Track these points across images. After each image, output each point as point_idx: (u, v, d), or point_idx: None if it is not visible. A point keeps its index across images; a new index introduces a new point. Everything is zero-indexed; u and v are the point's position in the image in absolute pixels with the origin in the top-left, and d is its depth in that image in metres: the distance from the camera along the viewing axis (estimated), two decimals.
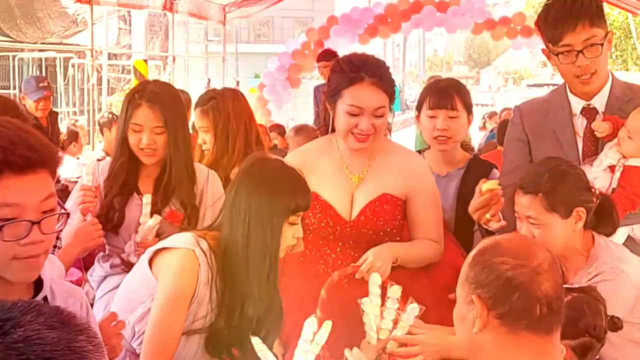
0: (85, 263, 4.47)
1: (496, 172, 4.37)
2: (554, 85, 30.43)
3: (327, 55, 10.56)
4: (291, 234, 3.25)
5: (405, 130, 28.74)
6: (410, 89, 48.38)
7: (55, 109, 10.36)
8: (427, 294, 3.69)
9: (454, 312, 2.53)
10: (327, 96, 3.85)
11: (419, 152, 4.58)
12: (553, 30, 3.78)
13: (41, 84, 8.99)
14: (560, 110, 3.99)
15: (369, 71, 3.69)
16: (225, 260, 3.20)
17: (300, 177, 3.31)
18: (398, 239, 3.90)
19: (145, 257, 3.32)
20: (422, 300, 3.41)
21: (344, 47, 16.46)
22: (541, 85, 32.62)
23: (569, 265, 3.47)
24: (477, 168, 4.42)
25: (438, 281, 3.85)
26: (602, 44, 3.74)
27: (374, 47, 44.85)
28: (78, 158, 9.62)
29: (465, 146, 4.68)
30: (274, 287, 3.25)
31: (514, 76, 50.63)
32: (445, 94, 4.33)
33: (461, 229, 4.28)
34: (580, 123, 3.96)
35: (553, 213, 3.36)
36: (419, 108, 4.45)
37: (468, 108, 4.40)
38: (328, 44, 15.35)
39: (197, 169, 4.05)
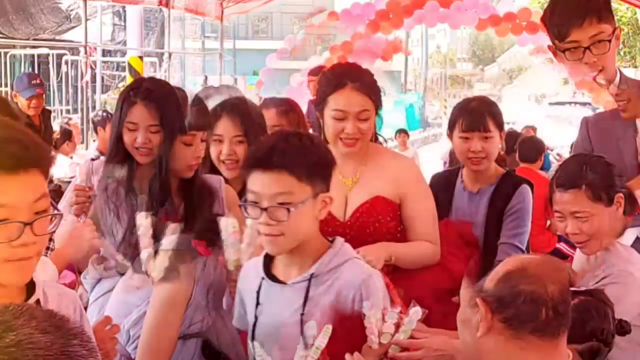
0: (78, 265, 4.48)
1: (525, 188, 4.40)
2: (575, 103, 30.30)
3: (316, 71, 10.61)
4: (190, 154, 3.48)
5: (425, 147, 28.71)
6: (431, 106, 48.26)
7: (47, 107, 10.34)
8: (427, 297, 3.74)
9: (457, 315, 2.55)
10: (315, 105, 4.03)
11: (457, 169, 4.65)
12: (559, 26, 3.83)
13: (33, 82, 9.01)
14: (626, 124, 4.07)
15: (352, 77, 3.85)
16: None
17: (195, 99, 3.58)
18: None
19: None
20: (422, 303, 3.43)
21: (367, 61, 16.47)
22: (563, 104, 32.55)
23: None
24: (506, 184, 4.46)
25: (439, 285, 3.94)
26: (609, 40, 3.77)
27: (397, 64, 44.83)
28: (71, 157, 9.64)
29: (499, 159, 4.72)
30: None
31: (535, 94, 50.65)
32: (478, 116, 4.38)
33: (490, 245, 4.34)
34: None
35: (598, 203, 3.44)
36: (451, 128, 4.50)
37: (500, 126, 4.44)
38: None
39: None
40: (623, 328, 2.95)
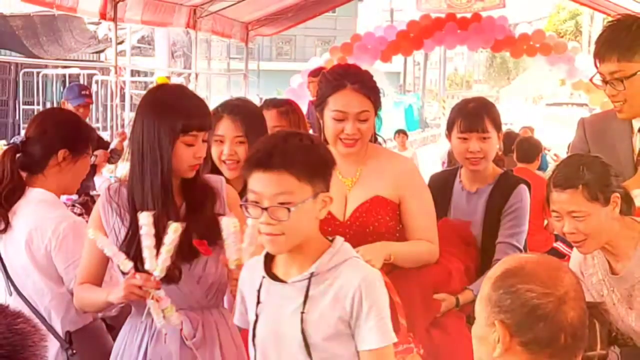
0: None
1: (522, 188, 4.38)
2: (572, 104, 30.29)
3: (316, 72, 10.60)
4: (191, 154, 3.41)
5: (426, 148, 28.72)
6: (430, 106, 48.50)
7: None
8: (425, 295, 3.82)
9: (472, 330, 2.48)
10: (315, 107, 4.01)
11: (456, 169, 4.62)
12: (594, 56, 3.90)
13: (83, 92, 9.15)
14: (622, 125, 4.06)
15: (351, 78, 3.84)
16: None
17: (196, 99, 3.51)
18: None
19: None
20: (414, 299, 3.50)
21: (368, 62, 16.58)
22: (560, 105, 32.49)
23: (619, 251, 3.51)
24: (504, 184, 4.43)
25: (437, 284, 3.94)
26: (629, 77, 3.77)
27: (396, 65, 45.08)
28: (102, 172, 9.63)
29: (497, 159, 4.70)
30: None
31: (533, 95, 50.71)
32: (476, 117, 4.36)
33: (488, 244, 4.32)
34: (638, 140, 4.05)
35: (594, 202, 3.38)
36: (449, 129, 4.48)
37: (498, 127, 4.42)
38: (351, 61, 15.35)
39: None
40: (625, 342, 2.92)
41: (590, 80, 4.00)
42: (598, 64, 3.86)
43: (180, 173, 3.44)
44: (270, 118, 4.77)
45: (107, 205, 3.52)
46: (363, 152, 3.91)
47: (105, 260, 3.48)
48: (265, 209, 2.79)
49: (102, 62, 20.67)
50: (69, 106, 8.79)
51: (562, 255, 7.36)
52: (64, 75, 19.49)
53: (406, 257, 3.81)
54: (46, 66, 19.52)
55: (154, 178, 3.38)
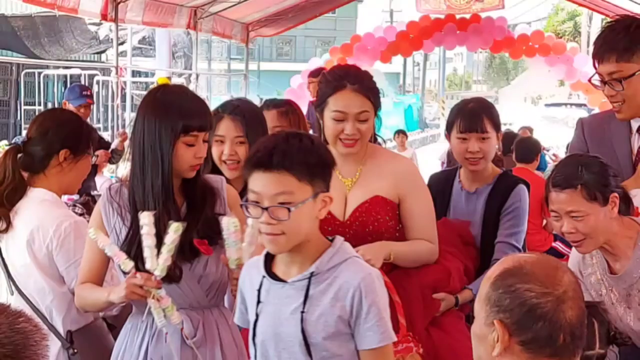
0: None
1: (521, 188, 4.38)
2: (571, 104, 30.28)
3: (316, 73, 10.59)
4: (192, 155, 3.41)
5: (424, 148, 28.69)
6: (429, 107, 48.54)
7: None
8: (425, 295, 3.80)
9: (472, 329, 2.47)
10: (315, 107, 4.01)
11: (455, 169, 4.62)
12: (593, 57, 3.91)
13: (84, 92, 9.17)
14: (620, 125, 4.08)
15: (351, 79, 3.83)
16: None
17: (196, 100, 3.51)
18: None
19: None
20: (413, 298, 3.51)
21: (367, 63, 16.58)
22: (559, 105, 32.46)
23: (618, 251, 3.51)
24: (503, 184, 4.43)
25: (437, 283, 3.92)
26: (628, 77, 3.78)
27: (395, 66, 45.08)
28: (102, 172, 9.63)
29: (496, 159, 4.70)
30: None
31: (532, 95, 50.72)
32: (475, 118, 4.36)
33: (488, 244, 4.32)
34: (637, 140, 4.07)
35: (593, 202, 3.38)
36: (449, 129, 4.49)
37: (497, 127, 4.42)
38: (351, 62, 15.36)
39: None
40: (624, 341, 2.90)
41: (589, 80, 4.00)
42: (597, 65, 3.87)
43: (180, 173, 3.44)
44: (271, 118, 4.75)
45: (108, 205, 3.52)
46: (363, 152, 3.91)
47: (106, 260, 3.48)
48: (266, 208, 2.79)
49: (103, 62, 20.68)
50: (70, 106, 8.79)
51: (561, 255, 7.37)
52: (65, 76, 19.45)
53: (406, 257, 3.82)
54: (47, 67, 19.50)
55: (155, 178, 3.38)
